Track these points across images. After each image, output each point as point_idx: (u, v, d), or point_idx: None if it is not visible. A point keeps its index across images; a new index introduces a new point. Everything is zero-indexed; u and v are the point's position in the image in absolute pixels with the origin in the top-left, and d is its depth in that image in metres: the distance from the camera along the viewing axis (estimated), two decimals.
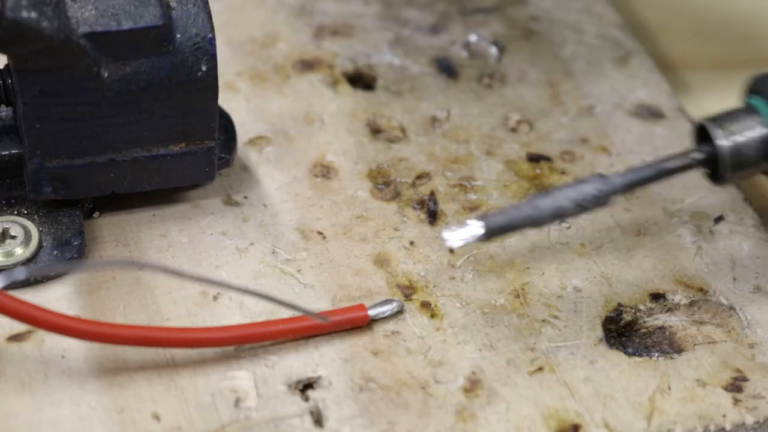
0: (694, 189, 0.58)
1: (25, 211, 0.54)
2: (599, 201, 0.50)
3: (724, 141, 0.50)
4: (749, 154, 0.51)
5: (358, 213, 0.57)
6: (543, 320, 0.53)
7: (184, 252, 0.54)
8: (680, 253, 0.56)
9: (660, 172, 0.51)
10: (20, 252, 0.52)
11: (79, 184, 0.53)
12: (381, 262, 0.54)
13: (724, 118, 0.51)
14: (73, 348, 0.50)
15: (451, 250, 0.50)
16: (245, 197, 0.57)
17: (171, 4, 0.51)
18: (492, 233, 0.49)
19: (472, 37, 0.66)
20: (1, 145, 0.53)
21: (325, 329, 0.51)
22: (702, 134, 0.52)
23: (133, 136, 0.52)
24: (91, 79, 0.50)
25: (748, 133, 0.51)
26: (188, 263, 0.53)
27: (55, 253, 0.52)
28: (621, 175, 0.50)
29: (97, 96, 0.51)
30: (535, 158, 0.60)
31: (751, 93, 0.52)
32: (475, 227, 0.49)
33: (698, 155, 0.51)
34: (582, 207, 0.49)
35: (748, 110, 0.51)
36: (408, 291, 0.53)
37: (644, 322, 0.53)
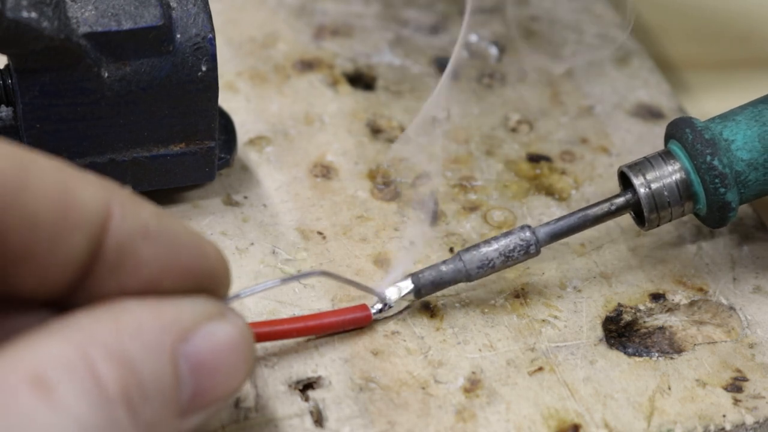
0: None
1: None
2: (527, 252, 0.52)
3: (642, 188, 0.52)
4: (668, 199, 0.52)
5: (358, 213, 0.56)
6: (543, 320, 0.53)
7: None
8: (680, 253, 0.56)
9: (584, 221, 0.53)
10: None
11: None
12: (381, 262, 0.54)
13: (644, 164, 0.53)
14: None
15: (387, 305, 0.52)
16: (245, 197, 0.57)
17: (171, 4, 0.51)
18: (421, 290, 0.51)
19: (472, 37, 0.66)
20: None
21: (329, 329, 0.51)
22: (625, 180, 0.53)
23: (133, 136, 0.52)
24: (91, 79, 0.50)
25: (665, 178, 0.52)
26: None
27: None
28: (546, 225, 0.52)
29: (97, 96, 0.51)
30: (535, 158, 0.60)
31: (669, 138, 0.53)
32: (405, 285, 0.51)
33: (619, 202, 0.53)
34: (510, 258, 0.52)
35: (667, 155, 0.53)
36: None
37: (644, 322, 0.53)
